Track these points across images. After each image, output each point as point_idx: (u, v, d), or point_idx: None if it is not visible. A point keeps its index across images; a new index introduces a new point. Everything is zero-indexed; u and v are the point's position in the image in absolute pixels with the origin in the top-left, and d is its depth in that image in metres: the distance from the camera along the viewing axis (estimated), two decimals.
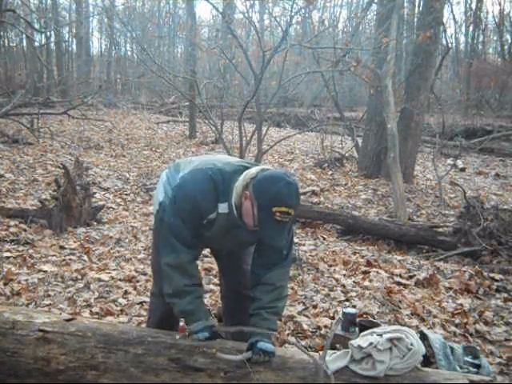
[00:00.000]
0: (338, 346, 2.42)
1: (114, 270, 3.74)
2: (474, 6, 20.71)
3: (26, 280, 3.45)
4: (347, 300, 3.31)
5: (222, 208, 1.90)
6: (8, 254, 3.94)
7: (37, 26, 14.08)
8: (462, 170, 9.59)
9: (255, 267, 2.07)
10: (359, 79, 8.55)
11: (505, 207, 5.61)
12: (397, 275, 3.81)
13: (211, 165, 1.96)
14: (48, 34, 16.99)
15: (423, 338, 2.33)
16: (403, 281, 3.71)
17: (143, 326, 2.65)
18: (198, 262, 3.75)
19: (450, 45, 12.71)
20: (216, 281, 3.48)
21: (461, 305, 3.33)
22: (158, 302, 2.28)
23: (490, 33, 22.96)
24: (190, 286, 1.97)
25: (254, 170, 1.88)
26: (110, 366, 1.94)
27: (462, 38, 22.85)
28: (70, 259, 3.95)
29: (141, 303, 3.14)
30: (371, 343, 1.88)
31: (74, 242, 4.41)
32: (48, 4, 20.63)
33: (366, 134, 8.49)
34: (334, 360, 1.91)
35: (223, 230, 1.97)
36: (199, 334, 1.96)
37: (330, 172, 8.48)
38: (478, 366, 2.26)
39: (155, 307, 2.34)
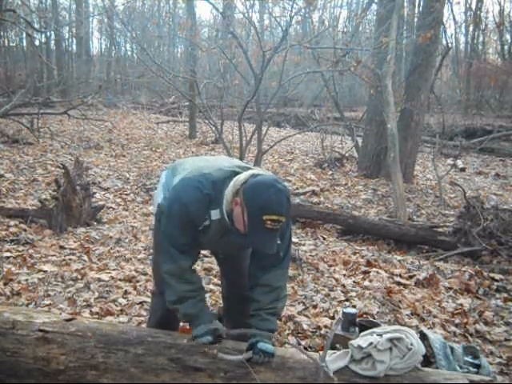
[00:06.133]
0: (338, 345, 2.42)
1: (114, 270, 3.74)
2: (474, 6, 20.72)
3: (26, 280, 3.45)
4: (347, 300, 3.31)
5: (215, 214, 1.92)
6: (8, 254, 3.94)
7: (37, 26, 14.06)
8: (462, 169, 9.58)
9: (253, 269, 2.07)
10: (359, 79, 8.54)
11: (505, 207, 5.60)
12: (397, 275, 3.81)
13: (201, 173, 1.97)
14: (48, 33, 16.99)
15: (423, 338, 2.33)
16: (403, 281, 3.72)
17: (143, 325, 2.65)
18: (198, 262, 3.78)
19: (449, 45, 12.66)
20: (216, 281, 3.48)
21: (461, 305, 3.33)
22: (158, 301, 2.29)
23: (490, 33, 22.95)
24: (191, 291, 2.00)
25: (243, 176, 1.88)
26: (110, 366, 1.94)
27: (462, 38, 22.84)
28: (69, 259, 3.95)
29: (141, 303, 3.14)
30: (371, 343, 1.88)
31: (74, 241, 4.41)
32: (48, 4, 20.66)
33: (365, 134, 8.49)
34: (334, 360, 1.91)
35: (217, 236, 1.98)
36: (203, 338, 1.97)
37: (330, 172, 8.48)
38: (478, 366, 2.26)
39: (156, 306, 2.35)
